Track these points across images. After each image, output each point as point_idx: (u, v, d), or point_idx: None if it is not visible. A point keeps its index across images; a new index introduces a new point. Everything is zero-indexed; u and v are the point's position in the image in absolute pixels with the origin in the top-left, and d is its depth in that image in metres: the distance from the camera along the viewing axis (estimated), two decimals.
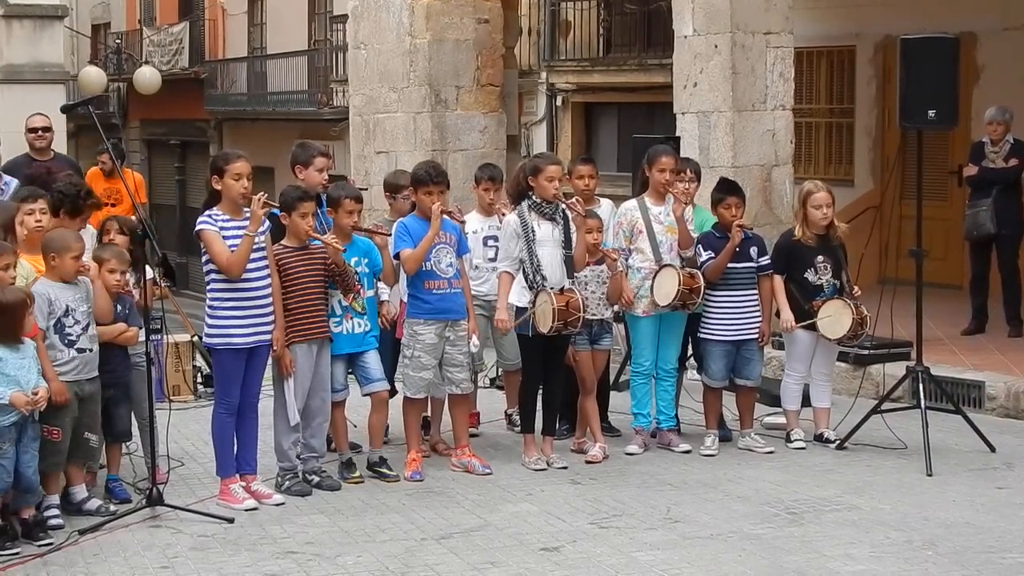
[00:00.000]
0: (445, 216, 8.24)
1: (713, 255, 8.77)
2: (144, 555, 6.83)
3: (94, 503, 7.54)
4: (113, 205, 11.83)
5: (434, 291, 8.25)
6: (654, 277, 8.69)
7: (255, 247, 7.54)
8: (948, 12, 13.70)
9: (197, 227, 7.57)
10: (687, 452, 8.83)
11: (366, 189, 12.93)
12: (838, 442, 8.91)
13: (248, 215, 7.56)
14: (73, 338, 7.30)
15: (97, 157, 13.00)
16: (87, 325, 7.37)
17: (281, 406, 7.91)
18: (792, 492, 7.87)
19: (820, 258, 8.91)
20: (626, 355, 10.01)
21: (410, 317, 8.34)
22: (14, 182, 10.02)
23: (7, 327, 6.85)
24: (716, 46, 11.48)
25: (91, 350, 7.40)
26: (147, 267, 7.86)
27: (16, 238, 7.61)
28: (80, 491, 7.54)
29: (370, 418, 8.38)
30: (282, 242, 7.95)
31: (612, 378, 9.92)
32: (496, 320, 8.47)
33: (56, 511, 7.26)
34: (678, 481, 8.17)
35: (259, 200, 7.51)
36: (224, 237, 7.51)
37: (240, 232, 7.51)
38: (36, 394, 6.85)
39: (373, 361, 8.23)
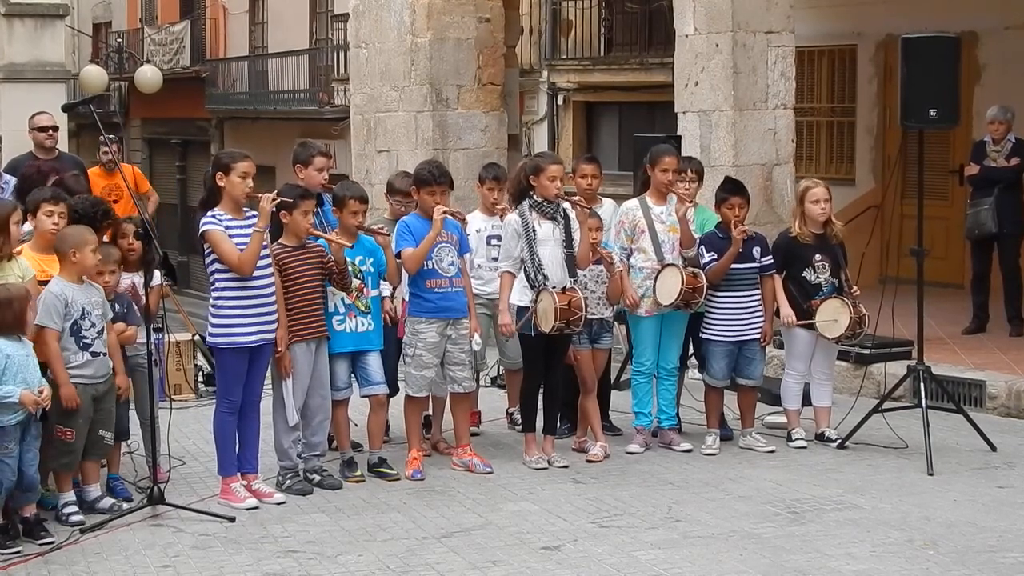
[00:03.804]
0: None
1: (716, 257, 8.75)
2: (145, 554, 6.83)
3: (107, 502, 7.54)
4: (115, 202, 11.73)
5: (435, 290, 8.24)
6: (656, 276, 8.69)
7: None
8: (949, 11, 13.69)
9: (202, 228, 7.54)
10: (688, 451, 8.83)
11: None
12: (839, 441, 8.90)
13: (249, 214, 7.57)
14: (88, 341, 7.27)
15: (99, 151, 12.79)
16: (101, 329, 7.35)
17: (280, 405, 7.92)
18: (793, 491, 7.87)
19: (818, 257, 8.90)
20: (627, 354, 10.01)
21: (412, 316, 8.34)
22: (13, 180, 10.01)
23: (12, 320, 6.82)
24: (717, 45, 11.47)
25: (104, 354, 7.38)
26: (156, 272, 7.75)
27: (11, 238, 7.51)
28: (94, 490, 7.53)
29: (368, 420, 8.39)
30: (280, 241, 7.94)
31: (613, 377, 9.92)
32: (500, 325, 8.47)
33: (75, 507, 7.27)
34: (679, 480, 8.17)
35: (268, 198, 7.51)
36: (229, 236, 7.50)
37: (243, 231, 7.51)
38: (41, 392, 6.85)
39: (374, 363, 8.23)
